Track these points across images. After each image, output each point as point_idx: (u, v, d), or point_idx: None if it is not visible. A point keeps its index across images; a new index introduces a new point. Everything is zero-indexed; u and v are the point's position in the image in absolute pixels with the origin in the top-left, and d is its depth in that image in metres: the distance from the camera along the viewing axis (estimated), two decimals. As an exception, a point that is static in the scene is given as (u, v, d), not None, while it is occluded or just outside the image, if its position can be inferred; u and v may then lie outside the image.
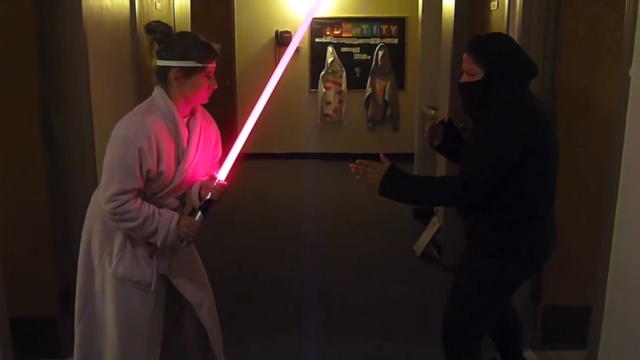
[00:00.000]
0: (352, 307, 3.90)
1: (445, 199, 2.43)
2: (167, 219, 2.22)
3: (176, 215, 2.25)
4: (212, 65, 2.27)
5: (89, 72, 2.97)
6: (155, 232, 2.21)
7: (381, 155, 2.40)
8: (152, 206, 2.22)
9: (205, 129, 2.39)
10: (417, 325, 3.62)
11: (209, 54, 2.24)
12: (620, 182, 2.22)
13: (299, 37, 2.37)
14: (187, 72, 2.21)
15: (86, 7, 2.93)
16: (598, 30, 2.95)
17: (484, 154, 2.22)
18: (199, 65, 2.21)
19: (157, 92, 2.27)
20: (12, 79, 2.88)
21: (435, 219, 4.89)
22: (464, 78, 2.35)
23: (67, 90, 2.96)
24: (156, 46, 2.27)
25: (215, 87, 2.31)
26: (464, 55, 2.35)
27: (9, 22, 2.83)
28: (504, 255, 2.35)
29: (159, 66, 2.26)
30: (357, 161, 2.38)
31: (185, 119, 2.32)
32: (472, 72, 2.30)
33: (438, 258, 4.74)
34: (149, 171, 2.18)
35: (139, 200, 2.20)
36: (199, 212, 2.30)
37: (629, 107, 2.16)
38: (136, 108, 2.28)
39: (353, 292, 4.14)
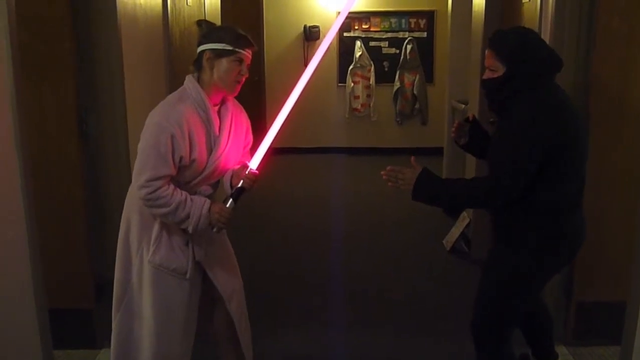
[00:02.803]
0: (381, 302, 3.90)
1: (480, 200, 2.39)
2: (199, 205, 2.26)
3: (208, 202, 2.30)
4: (244, 53, 2.30)
5: (123, 68, 3.02)
6: (187, 217, 2.25)
7: (412, 160, 2.39)
8: (184, 192, 2.27)
9: (236, 117, 2.43)
10: (446, 320, 3.61)
11: (242, 40, 2.30)
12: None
13: (332, 35, 2.39)
14: (219, 54, 2.27)
15: (120, 4, 2.98)
16: (633, 23, 2.91)
17: (515, 151, 2.20)
18: (230, 48, 2.26)
19: (188, 80, 2.33)
20: (48, 76, 2.94)
21: (464, 213, 4.87)
22: (486, 74, 2.34)
23: (102, 87, 3.01)
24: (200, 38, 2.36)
25: (247, 75, 2.34)
26: (486, 51, 2.34)
27: (45, 20, 2.89)
28: (530, 250, 2.34)
29: (197, 53, 2.33)
30: (388, 168, 2.38)
31: (217, 107, 2.37)
32: (494, 67, 2.29)
33: (468, 252, 4.71)
34: (181, 158, 2.23)
35: (172, 186, 2.24)
36: (230, 199, 2.33)
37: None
38: (169, 97, 2.34)
39: (382, 287, 4.14)
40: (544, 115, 2.19)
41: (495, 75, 2.29)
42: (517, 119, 2.22)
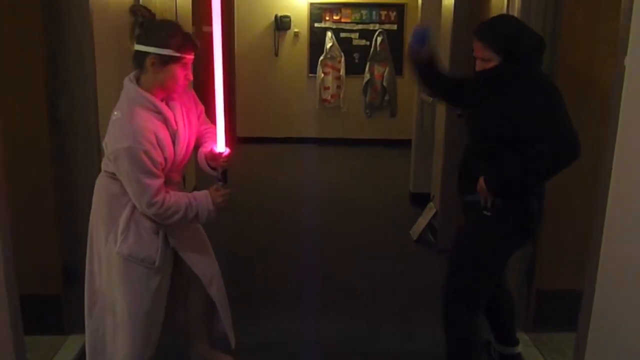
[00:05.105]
0: (349, 290, 3.96)
1: (561, 162, 2.41)
2: (203, 202, 2.36)
3: (208, 196, 2.38)
4: (190, 57, 2.30)
5: (94, 54, 2.99)
6: (196, 215, 2.35)
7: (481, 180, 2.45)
8: (185, 194, 2.35)
9: (183, 100, 2.43)
10: (412, 308, 3.68)
11: (188, 45, 2.28)
12: (613, 168, 2.27)
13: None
14: (164, 61, 2.24)
15: (92, -10, 2.95)
16: (596, 18, 2.99)
17: (558, 114, 2.34)
18: (177, 55, 2.24)
19: (129, 87, 2.30)
20: (19, 61, 2.90)
21: (431, 204, 4.95)
22: (480, 65, 2.40)
23: (74, 72, 2.97)
24: (137, 30, 2.28)
25: (191, 78, 2.34)
26: (475, 43, 2.40)
27: (16, 4, 2.85)
28: (509, 222, 2.46)
29: (136, 51, 2.28)
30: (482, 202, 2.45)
31: (164, 101, 2.35)
32: (487, 58, 2.36)
33: (434, 242, 4.80)
34: (159, 163, 2.26)
35: (170, 193, 2.30)
36: (222, 184, 2.46)
37: (623, 95, 2.20)
38: (117, 113, 2.28)
39: (350, 276, 4.20)
40: (550, 88, 2.37)
41: (491, 65, 2.37)
42: (537, 91, 2.34)
